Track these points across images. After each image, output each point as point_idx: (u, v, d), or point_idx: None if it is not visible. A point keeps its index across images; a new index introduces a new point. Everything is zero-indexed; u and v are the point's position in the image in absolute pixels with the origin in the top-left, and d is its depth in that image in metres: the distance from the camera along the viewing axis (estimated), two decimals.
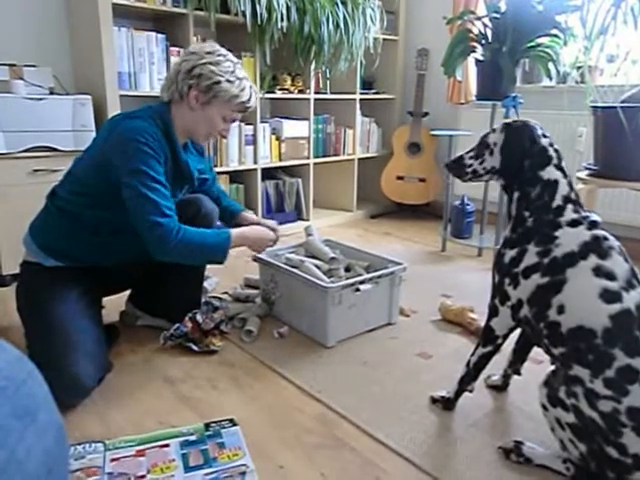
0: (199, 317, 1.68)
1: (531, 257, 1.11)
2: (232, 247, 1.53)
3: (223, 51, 1.52)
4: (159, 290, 1.73)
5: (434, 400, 1.36)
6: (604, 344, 0.98)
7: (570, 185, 1.13)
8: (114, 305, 1.80)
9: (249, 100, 1.54)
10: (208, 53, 1.48)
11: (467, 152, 1.28)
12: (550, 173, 1.13)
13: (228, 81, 1.47)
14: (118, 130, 1.41)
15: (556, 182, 1.12)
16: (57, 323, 1.38)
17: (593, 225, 1.08)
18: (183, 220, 1.55)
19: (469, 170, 1.26)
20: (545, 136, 1.16)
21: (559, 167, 1.14)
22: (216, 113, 1.51)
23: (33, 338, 1.42)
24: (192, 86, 1.47)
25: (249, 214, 1.89)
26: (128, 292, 1.84)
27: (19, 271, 1.55)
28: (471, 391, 1.32)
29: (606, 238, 1.06)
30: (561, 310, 1.05)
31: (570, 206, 1.10)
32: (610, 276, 1.02)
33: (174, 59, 2.47)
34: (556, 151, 1.15)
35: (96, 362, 1.39)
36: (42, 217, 1.53)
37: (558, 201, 1.11)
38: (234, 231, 1.56)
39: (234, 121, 1.58)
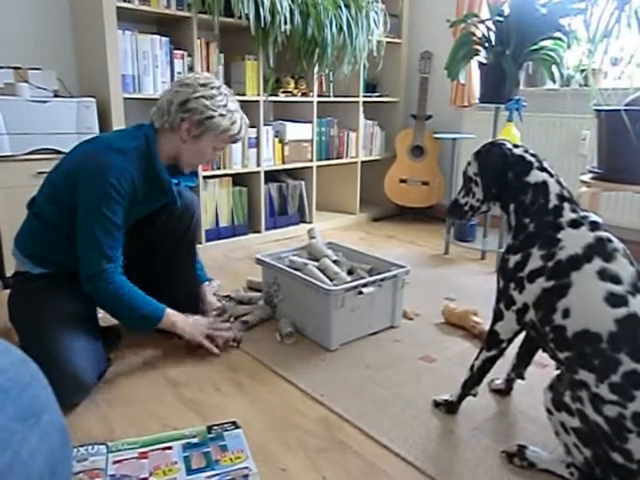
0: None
1: (535, 261, 1.11)
2: (162, 327, 1.51)
3: (217, 83, 1.53)
4: (157, 285, 1.73)
5: (437, 404, 1.36)
6: (610, 348, 0.98)
7: (559, 183, 1.15)
8: None
9: (239, 133, 1.57)
10: (202, 86, 1.49)
11: (459, 193, 1.32)
12: (536, 176, 1.15)
13: (221, 115, 1.49)
14: (97, 160, 1.41)
15: (545, 183, 1.14)
16: (48, 325, 1.38)
17: (594, 226, 1.08)
18: (163, 215, 1.61)
19: (467, 208, 1.30)
20: (517, 146, 1.20)
21: (542, 169, 1.16)
22: (207, 145, 1.54)
23: (28, 344, 1.40)
24: (184, 119, 1.48)
25: (207, 287, 1.88)
26: None
27: (11, 282, 1.56)
28: (475, 395, 1.32)
29: (610, 240, 1.06)
30: (566, 314, 1.04)
31: (567, 205, 1.11)
32: (615, 279, 1.01)
33: (178, 61, 2.48)
34: (533, 155, 1.19)
35: (92, 358, 1.40)
36: (24, 226, 1.54)
37: (554, 201, 1.12)
38: (168, 313, 1.51)
39: (222, 150, 1.60)
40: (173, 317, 1.53)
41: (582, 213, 1.10)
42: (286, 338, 1.71)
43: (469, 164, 1.28)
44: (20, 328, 1.47)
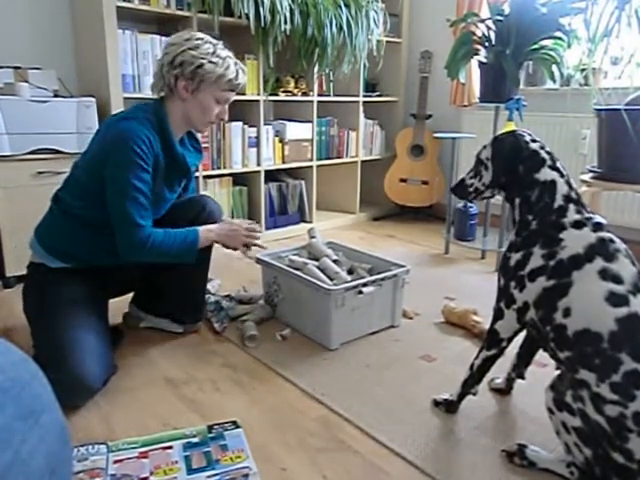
0: (216, 325, 1.77)
1: (537, 260, 1.10)
2: (201, 245, 1.54)
3: (201, 35, 1.52)
4: (162, 290, 1.73)
5: (437, 403, 1.36)
6: (610, 348, 0.98)
7: (569, 184, 1.14)
8: (117, 307, 1.80)
9: (237, 77, 1.53)
10: (186, 40, 1.48)
11: (467, 173, 1.32)
12: (546, 174, 1.14)
13: (211, 62, 1.47)
14: (112, 132, 1.44)
15: (553, 182, 1.13)
16: (63, 323, 1.39)
17: (598, 227, 1.08)
18: (188, 219, 1.60)
19: (471, 190, 1.30)
20: (535, 141, 1.18)
21: (554, 167, 1.15)
22: (208, 97, 1.51)
23: (39, 338, 1.43)
24: (178, 76, 1.47)
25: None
26: (131, 294, 1.84)
27: (26, 272, 1.56)
28: (474, 394, 1.32)
29: (612, 240, 1.06)
30: (567, 313, 1.04)
31: (572, 206, 1.11)
32: (617, 279, 1.01)
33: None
34: (548, 153, 1.17)
35: (102, 363, 1.40)
36: (47, 220, 1.55)
37: (559, 201, 1.11)
38: (201, 229, 1.56)
39: (228, 102, 1.58)
40: (208, 234, 1.57)
41: (587, 215, 1.10)
42: (248, 341, 1.68)
43: (484, 147, 1.27)
44: (34, 321, 1.47)
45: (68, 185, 1.53)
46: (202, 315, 1.81)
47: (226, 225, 1.64)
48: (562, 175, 1.14)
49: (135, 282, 1.78)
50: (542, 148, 1.17)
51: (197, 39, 1.49)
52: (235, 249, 1.66)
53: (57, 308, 1.43)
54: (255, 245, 1.69)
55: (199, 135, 1.75)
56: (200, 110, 1.53)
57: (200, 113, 1.54)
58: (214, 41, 1.52)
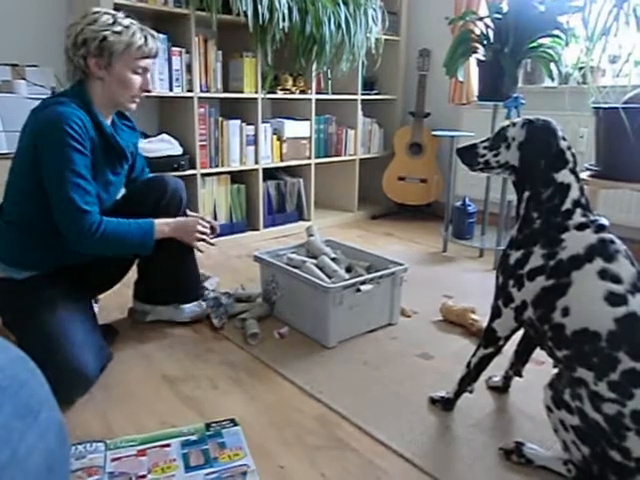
0: (215, 321, 1.78)
1: (536, 259, 1.10)
2: (157, 238, 1.52)
3: (97, 9, 1.46)
4: (157, 275, 1.74)
5: (434, 401, 1.36)
6: (609, 347, 0.98)
7: (582, 190, 1.11)
8: (113, 304, 1.80)
9: (146, 43, 1.47)
10: (83, 17, 1.43)
11: (482, 141, 1.25)
12: (565, 176, 1.11)
13: (115, 32, 1.41)
14: (41, 120, 1.38)
15: (569, 186, 1.11)
16: (48, 321, 1.38)
17: (600, 229, 1.07)
18: (149, 205, 1.60)
19: (481, 160, 1.23)
20: (564, 139, 1.14)
21: (574, 171, 1.12)
22: (124, 70, 1.46)
23: (28, 343, 1.36)
24: (85, 55, 1.41)
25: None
26: (129, 290, 1.84)
27: None
28: (471, 392, 1.32)
29: (613, 241, 1.05)
30: (566, 312, 1.04)
31: (579, 210, 1.09)
32: (616, 279, 1.01)
33: (175, 59, 2.48)
34: (573, 155, 1.13)
35: (94, 351, 1.40)
36: (0, 236, 1.50)
37: (568, 205, 1.10)
38: (157, 222, 1.54)
39: (147, 71, 1.52)
40: (164, 227, 1.56)
41: (592, 217, 1.09)
42: (250, 339, 1.69)
43: (513, 125, 1.18)
44: (17, 330, 1.45)
45: (8, 194, 1.47)
46: (202, 290, 1.83)
47: (181, 221, 1.63)
48: (578, 180, 1.12)
49: (116, 276, 1.75)
50: (569, 148, 1.13)
51: (94, 13, 1.43)
52: (189, 244, 1.66)
53: (38, 310, 1.41)
54: (206, 242, 1.68)
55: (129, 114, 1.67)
56: (120, 85, 1.47)
57: (121, 88, 1.47)
58: (113, 12, 1.46)
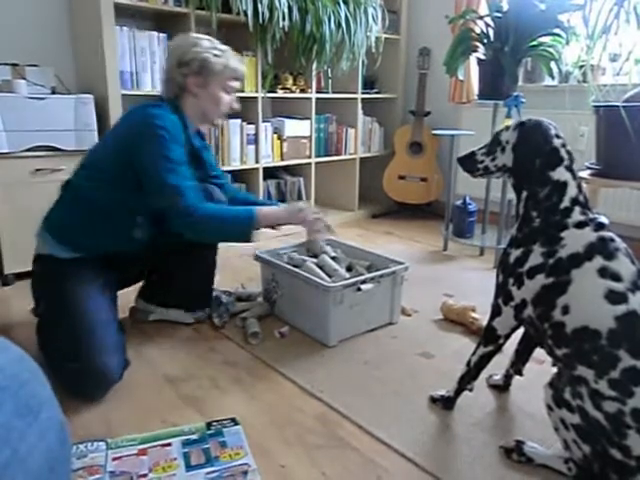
0: (216, 320, 1.80)
1: (536, 258, 1.10)
2: (264, 225, 1.53)
3: (195, 34, 1.62)
4: (174, 276, 1.75)
5: (434, 399, 1.36)
6: (609, 345, 0.98)
7: (579, 187, 1.12)
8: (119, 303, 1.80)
9: (238, 66, 1.62)
10: (185, 40, 1.58)
11: (480, 148, 1.28)
12: (560, 174, 1.11)
13: (215, 55, 1.56)
14: (140, 116, 1.48)
15: (565, 184, 1.11)
16: (81, 315, 1.38)
17: (600, 227, 1.07)
18: None
19: (481, 166, 1.27)
20: (558, 136, 1.14)
21: (570, 169, 1.12)
22: (217, 88, 1.59)
23: (54, 330, 1.41)
24: (187, 74, 1.54)
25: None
26: (136, 289, 1.84)
27: (32, 266, 1.55)
28: (471, 390, 1.32)
29: (612, 240, 1.05)
30: (566, 311, 1.04)
31: (578, 208, 1.09)
32: (616, 277, 1.01)
33: None
34: (568, 152, 1.13)
35: (119, 355, 1.40)
36: (56, 208, 1.54)
37: (566, 203, 1.10)
38: (265, 209, 1.57)
39: (234, 91, 1.65)
40: (280, 212, 1.58)
41: (591, 216, 1.09)
42: (252, 338, 1.69)
43: (507, 129, 1.21)
44: (47, 312, 1.46)
45: (81, 170, 1.54)
46: (211, 301, 1.84)
47: (297, 206, 1.61)
48: (575, 177, 1.12)
49: (144, 272, 1.80)
50: (563, 146, 1.13)
51: (195, 37, 1.58)
52: (309, 231, 1.62)
53: (71, 298, 1.41)
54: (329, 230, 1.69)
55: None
56: (213, 102, 1.60)
57: (213, 105, 1.60)
58: (209, 37, 1.60)
